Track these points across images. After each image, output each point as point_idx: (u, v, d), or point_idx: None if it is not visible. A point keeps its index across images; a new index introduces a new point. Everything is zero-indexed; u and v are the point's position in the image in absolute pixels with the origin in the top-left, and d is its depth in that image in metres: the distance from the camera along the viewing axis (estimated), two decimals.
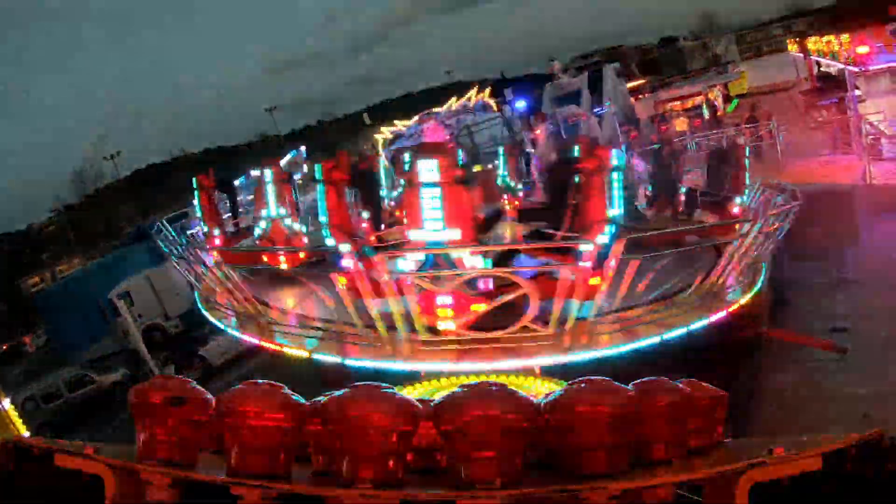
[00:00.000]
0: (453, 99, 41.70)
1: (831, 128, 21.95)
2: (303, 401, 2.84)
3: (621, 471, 2.83)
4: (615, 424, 2.78)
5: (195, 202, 10.59)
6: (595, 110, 35.08)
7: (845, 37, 23.94)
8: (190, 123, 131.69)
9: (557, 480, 2.85)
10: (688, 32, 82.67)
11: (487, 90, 42.00)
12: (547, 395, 2.90)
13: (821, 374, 9.76)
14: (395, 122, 43.58)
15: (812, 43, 33.98)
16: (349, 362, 6.47)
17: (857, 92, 21.33)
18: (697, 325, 6.52)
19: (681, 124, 30.84)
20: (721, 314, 6.90)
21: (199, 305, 9.25)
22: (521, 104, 22.08)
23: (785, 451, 2.80)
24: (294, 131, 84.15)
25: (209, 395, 2.85)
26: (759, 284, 7.67)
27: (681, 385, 3.05)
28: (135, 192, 64.75)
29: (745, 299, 7.37)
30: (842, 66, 24.35)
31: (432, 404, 2.85)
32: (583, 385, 2.85)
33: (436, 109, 41.44)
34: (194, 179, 10.54)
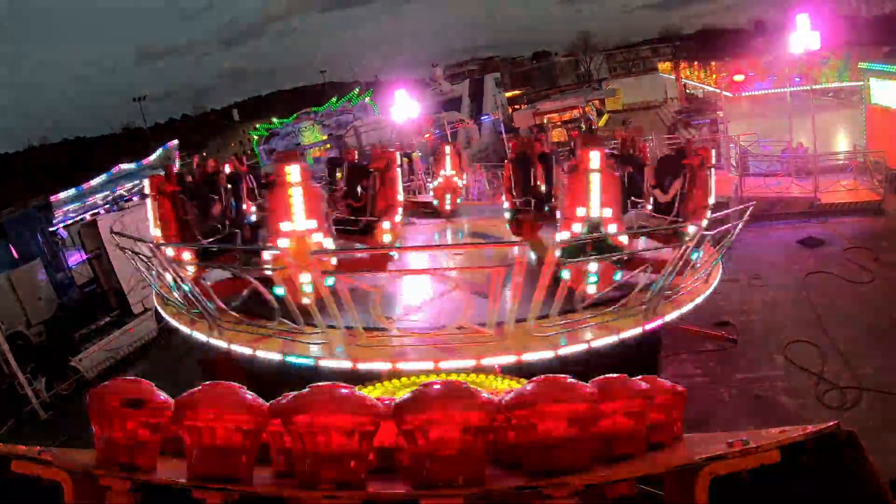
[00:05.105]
0: (333, 99, 41.59)
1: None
2: (263, 402, 2.83)
3: (583, 467, 2.85)
4: (576, 421, 2.80)
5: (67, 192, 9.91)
6: (483, 118, 35.84)
7: (721, 64, 27.22)
8: (50, 112, 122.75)
9: (520, 477, 2.87)
10: (561, 49, 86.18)
11: (369, 92, 42.26)
12: (507, 392, 2.92)
13: (714, 362, 11.02)
14: (273, 118, 43.29)
15: (685, 67, 36.37)
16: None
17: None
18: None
19: (558, 135, 32.11)
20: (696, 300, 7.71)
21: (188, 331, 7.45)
22: (413, 108, 22.54)
23: (744, 444, 2.85)
24: (158, 124, 79.71)
25: (168, 397, 2.83)
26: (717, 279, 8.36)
27: (640, 381, 3.09)
28: None
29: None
30: (716, 90, 26.53)
31: (393, 404, 2.85)
32: (543, 383, 2.87)
33: (314, 108, 41.29)
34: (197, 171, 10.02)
